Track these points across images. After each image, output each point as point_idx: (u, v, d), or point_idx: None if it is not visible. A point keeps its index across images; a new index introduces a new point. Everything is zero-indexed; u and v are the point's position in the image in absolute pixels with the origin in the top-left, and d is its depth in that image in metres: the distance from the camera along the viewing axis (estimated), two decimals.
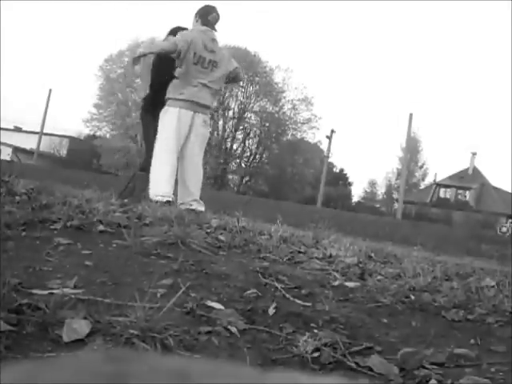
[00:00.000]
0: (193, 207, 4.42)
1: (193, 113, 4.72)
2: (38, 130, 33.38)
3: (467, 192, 41.34)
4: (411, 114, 25.76)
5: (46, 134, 36.02)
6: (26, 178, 4.20)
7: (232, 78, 5.16)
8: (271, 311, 1.51)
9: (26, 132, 44.06)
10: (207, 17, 4.77)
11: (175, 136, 4.67)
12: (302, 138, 41.82)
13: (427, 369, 1.22)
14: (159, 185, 4.48)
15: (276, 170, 40.54)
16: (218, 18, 4.85)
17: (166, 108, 4.75)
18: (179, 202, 4.55)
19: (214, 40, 4.82)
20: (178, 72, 4.73)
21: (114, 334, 1.17)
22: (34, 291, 1.39)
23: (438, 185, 43.21)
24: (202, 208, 4.58)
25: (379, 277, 2.16)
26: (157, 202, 4.04)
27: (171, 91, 4.80)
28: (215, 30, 4.86)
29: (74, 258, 1.81)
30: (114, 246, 2.07)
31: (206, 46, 4.73)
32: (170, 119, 4.75)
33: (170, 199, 4.40)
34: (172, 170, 4.57)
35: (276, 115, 40.00)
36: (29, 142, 38.27)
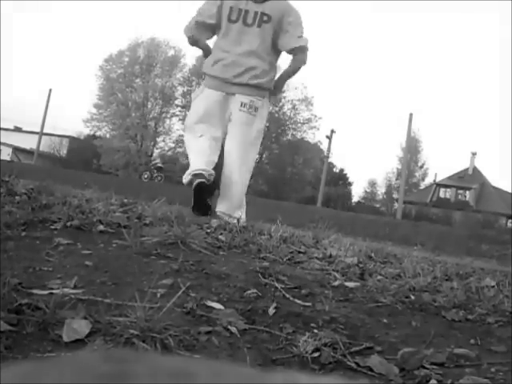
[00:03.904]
0: (227, 217, 3.47)
1: (225, 94, 3.53)
2: (38, 130, 33.38)
3: (467, 192, 41.36)
4: (411, 114, 25.79)
5: (46, 134, 36.04)
6: (25, 178, 4.20)
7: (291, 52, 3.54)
8: (271, 311, 1.51)
9: (26, 132, 44.11)
10: None
11: (203, 121, 3.59)
12: (302, 138, 41.84)
13: (427, 369, 1.22)
14: (190, 167, 3.50)
15: (276, 170, 40.53)
16: None
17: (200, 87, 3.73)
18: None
19: None
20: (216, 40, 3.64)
21: (114, 333, 1.17)
22: (34, 291, 1.39)
23: (438, 185, 43.22)
24: (237, 216, 3.48)
25: (379, 277, 2.16)
26: (191, 182, 3.33)
27: (205, 63, 3.69)
28: None
29: (74, 258, 1.81)
30: (114, 245, 2.07)
31: None
32: (197, 103, 3.70)
33: (201, 171, 3.37)
34: (201, 148, 3.51)
35: (276, 115, 39.99)
36: (29, 142, 38.29)
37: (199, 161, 3.47)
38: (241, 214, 3.65)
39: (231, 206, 3.64)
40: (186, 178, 3.45)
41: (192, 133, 3.65)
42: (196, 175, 3.37)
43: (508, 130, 63.44)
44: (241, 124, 3.54)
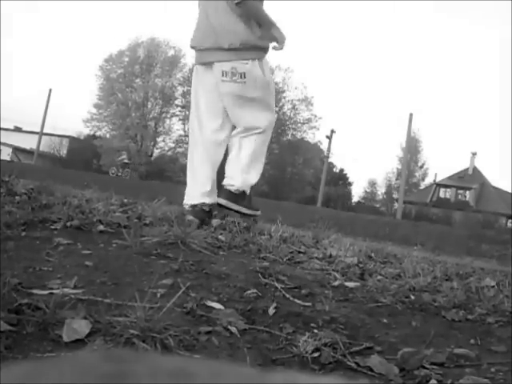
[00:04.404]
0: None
1: (204, 67, 3.08)
2: (38, 130, 33.35)
3: (467, 192, 41.36)
4: (411, 114, 25.76)
5: (46, 134, 36.01)
6: (26, 178, 4.20)
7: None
8: (271, 311, 1.51)
9: (26, 132, 44.10)
10: None
11: (197, 108, 3.18)
12: (302, 138, 41.85)
13: (427, 369, 1.22)
14: (187, 190, 3.21)
15: (276, 170, 40.53)
16: None
17: None
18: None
19: None
20: None
21: (114, 333, 1.17)
22: (34, 291, 1.39)
23: (438, 185, 43.22)
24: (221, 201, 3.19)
25: (379, 277, 2.16)
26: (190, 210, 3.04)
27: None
28: None
29: (74, 258, 1.81)
30: (114, 245, 2.07)
31: None
32: (194, 88, 3.25)
33: (200, 202, 3.08)
34: (198, 163, 3.14)
35: (276, 115, 39.98)
36: (29, 142, 38.29)
37: (195, 186, 3.14)
38: (248, 179, 3.24)
39: (236, 175, 3.21)
40: (185, 205, 3.16)
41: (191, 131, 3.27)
42: (193, 210, 3.05)
43: (508, 130, 63.47)
44: (227, 95, 3.04)
